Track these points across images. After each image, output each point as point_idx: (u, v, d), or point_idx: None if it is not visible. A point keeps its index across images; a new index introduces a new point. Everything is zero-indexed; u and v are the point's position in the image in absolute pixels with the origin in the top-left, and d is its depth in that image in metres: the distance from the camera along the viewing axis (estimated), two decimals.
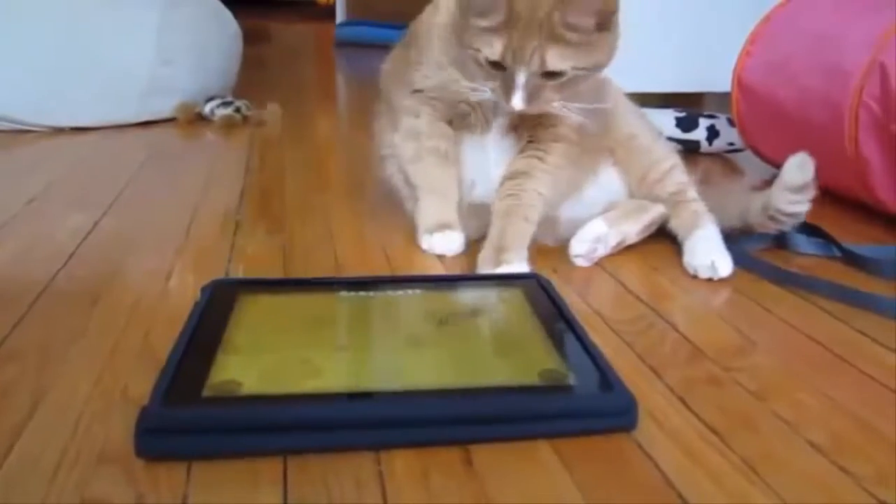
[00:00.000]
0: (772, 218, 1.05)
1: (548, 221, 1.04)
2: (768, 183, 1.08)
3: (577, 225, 1.04)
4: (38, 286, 0.90)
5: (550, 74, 0.89)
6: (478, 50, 0.90)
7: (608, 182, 1.09)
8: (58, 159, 1.53)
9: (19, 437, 0.61)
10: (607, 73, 0.98)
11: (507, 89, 0.90)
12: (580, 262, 1.01)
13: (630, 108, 1.14)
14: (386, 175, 1.15)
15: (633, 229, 1.05)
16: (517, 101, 0.90)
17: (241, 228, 1.12)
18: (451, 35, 0.97)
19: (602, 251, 1.01)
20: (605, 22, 0.89)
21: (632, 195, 1.10)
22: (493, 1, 0.87)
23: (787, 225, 1.06)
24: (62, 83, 1.73)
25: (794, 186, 1.03)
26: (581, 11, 0.87)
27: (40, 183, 1.33)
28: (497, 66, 0.90)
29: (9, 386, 0.69)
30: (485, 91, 0.94)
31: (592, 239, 1.01)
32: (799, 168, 1.03)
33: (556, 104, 0.93)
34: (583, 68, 0.90)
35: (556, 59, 0.88)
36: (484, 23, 0.88)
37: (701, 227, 1.03)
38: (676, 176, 1.09)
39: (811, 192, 1.04)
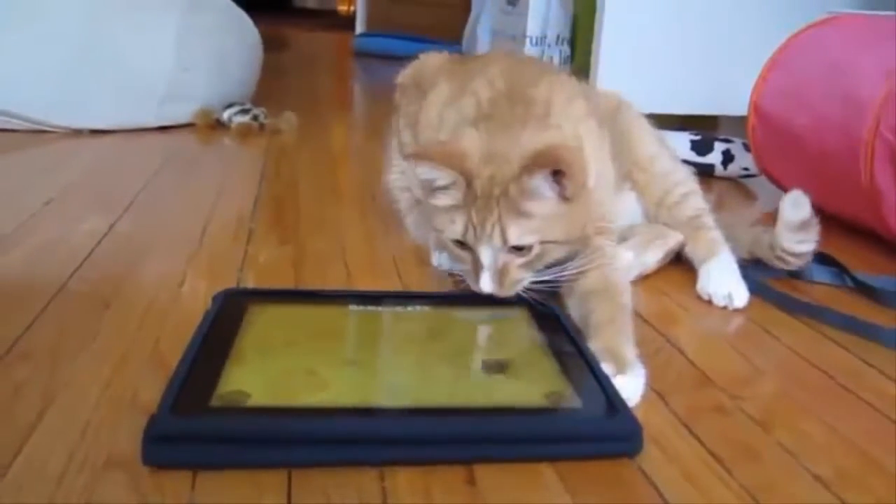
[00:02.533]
0: (779, 258, 1.05)
1: None
2: (776, 213, 1.07)
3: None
4: (53, 288, 0.91)
5: (517, 249, 0.84)
6: (441, 231, 0.88)
7: (626, 206, 1.09)
8: (75, 161, 1.54)
9: (29, 438, 0.62)
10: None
11: (475, 271, 0.85)
12: None
13: (649, 130, 1.14)
14: (388, 179, 1.16)
15: (653, 259, 1.05)
16: (485, 284, 0.84)
17: (254, 237, 1.13)
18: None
19: None
20: (568, 192, 0.84)
21: (648, 218, 1.10)
22: (451, 179, 0.84)
23: (795, 265, 1.05)
24: (82, 85, 1.74)
25: (793, 224, 1.03)
26: (537, 182, 0.83)
27: (58, 184, 1.34)
28: (462, 245, 0.87)
29: (20, 386, 0.69)
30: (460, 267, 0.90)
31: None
32: (794, 205, 1.03)
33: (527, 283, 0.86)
34: (551, 241, 0.85)
35: (518, 234, 0.83)
36: (444, 201, 0.86)
37: (717, 254, 1.03)
38: (694, 201, 1.09)
39: (815, 230, 1.03)
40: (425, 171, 0.86)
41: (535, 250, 0.85)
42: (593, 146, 0.94)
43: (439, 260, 1.04)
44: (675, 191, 1.09)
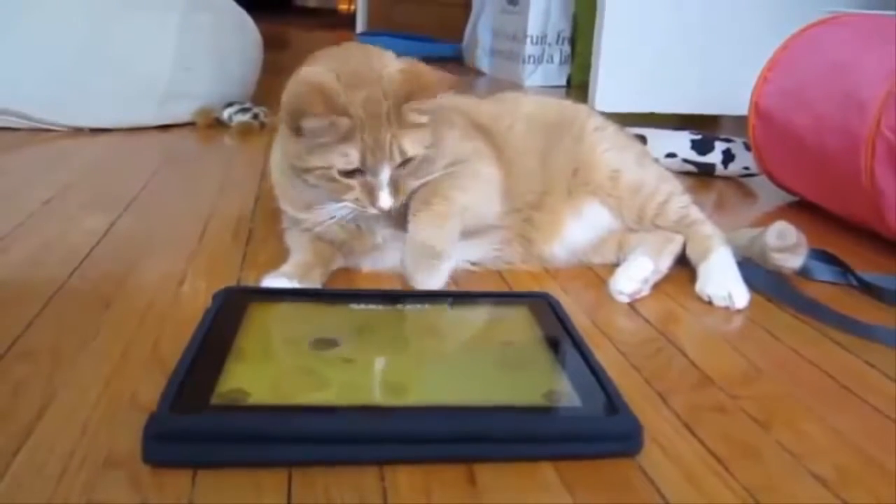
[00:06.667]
0: (771, 264, 1.05)
1: (533, 252, 1.05)
2: (776, 212, 1.07)
3: (565, 261, 1.06)
4: (52, 287, 0.91)
5: (405, 162, 0.90)
6: (328, 167, 0.88)
7: (595, 218, 1.08)
8: (75, 160, 1.54)
9: (28, 437, 0.62)
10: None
11: (371, 192, 0.89)
12: (622, 298, 0.97)
13: (607, 140, 1.11)
14: None
15: (666, 265, 1.03)
16: (385, 200, 0.89)
17: (254, 236, 1.13)
18: (286, 171, 0.97)
19: (645, 292, 0.99)
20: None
21: (631, 230, 1.08)
22: (328, 114, 0.85)
23: (789, 271, 1.05)
24: (82, 83, 1.74)
25: (778, 248, 1.03)
26: (425, 98, 0.89)
27: (57, 183, 1.34)
28: (351, 174, 0.89)
29: (20, 385, 0.69)
30: (343, 208, 0.92)
31: (642, 279, 0.98)
32: (778, 236, 1.03)
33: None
34: (429, 146, 0.92)
35: (411, 145, 0.89)
36: (326, 138, 0.87)
37: (713, 250, 1.01)
38: (674, 203, 1.07)
39: (801, 250, 1.04)
40: (310, 125, 0.86)
41: (419, 158, 0.91)
42: None
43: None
44: (651, 203, 1.07)
